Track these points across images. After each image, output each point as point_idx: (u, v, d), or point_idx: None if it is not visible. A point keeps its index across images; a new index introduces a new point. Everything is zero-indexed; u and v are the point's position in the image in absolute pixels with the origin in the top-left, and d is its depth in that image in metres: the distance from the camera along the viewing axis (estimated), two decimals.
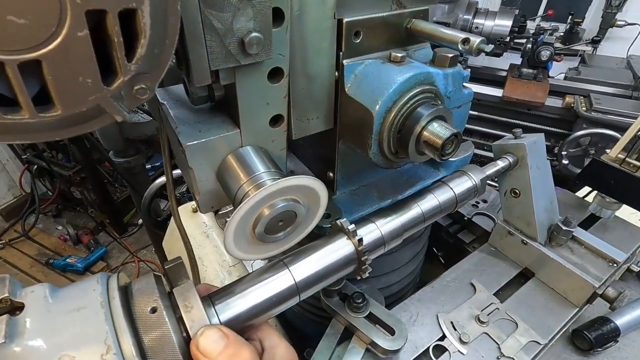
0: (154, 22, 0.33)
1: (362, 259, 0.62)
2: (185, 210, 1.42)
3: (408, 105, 0.57)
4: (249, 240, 0.55)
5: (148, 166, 2.72)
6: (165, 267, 0.48)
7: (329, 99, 0.63)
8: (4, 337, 0.33)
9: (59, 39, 0.30)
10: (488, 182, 0.85)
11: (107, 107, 0.35)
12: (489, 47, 0.59)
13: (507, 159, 0.87)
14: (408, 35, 0.64)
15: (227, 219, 0.51)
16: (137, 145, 2.38)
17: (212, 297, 0.52)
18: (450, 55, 0.62)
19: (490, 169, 0.85)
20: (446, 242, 1.15)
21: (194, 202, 1.40)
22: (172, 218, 1.16)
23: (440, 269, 1.21)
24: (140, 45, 0.33)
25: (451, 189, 0.78)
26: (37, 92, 0.32)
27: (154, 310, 0.42)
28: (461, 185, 0.79)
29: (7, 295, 0.36)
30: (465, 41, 0.58)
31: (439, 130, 0.56)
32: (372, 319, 0.76)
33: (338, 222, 0.63)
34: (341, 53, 0.59)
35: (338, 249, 0.62)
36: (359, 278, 0.65)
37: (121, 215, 3.58)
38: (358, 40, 0.59)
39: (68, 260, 3.16)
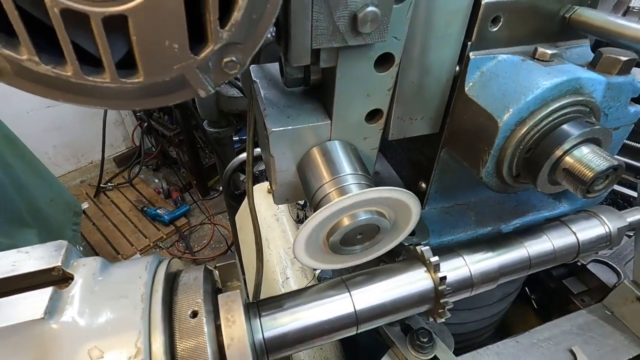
0: None
1: (442, 300, 0.51)
2: (260, 189, 1.43)
3: (550, 119, 0.44)
4: (321, 247, 0.48)
5: (235, 138, 2.87)
6: (217, 266, 0.45)
7: (441, 98, 0.52)
8: (45, 313, 0.31)
9: None
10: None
11: (192, 79, 0.30)
12: None
13: None
14: (563, 27, 0.49)
15: (299, 206, 0.45)
16: (229, 117, 2.50)
17: (260, 305, 0.47)
18: (625, 58, 0.45)
19: (634, 216, 0.65)
20: (545, 286, 0.96)
21: None
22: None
23: (530, 315, 1.02)
24: (238, 7, 0.27)
25: (574, 233, 0.60)
26: (123, 58, 0.29)
27: (194, 314, 0.38)
28: (589, 230, 0.61)
29: (59, 265, 0.34)
30: None
31: (590, 159, 0.41)
32: None
33: (418, 248, 0.53)
34: (470, 43, 0.47)
35: (413, 282, 0.52)
36: (430, 320, 0.54)
37: (206, 179, 3.90)
38: (495, 29, 0.47)
39: (158, 211, 3.57)
